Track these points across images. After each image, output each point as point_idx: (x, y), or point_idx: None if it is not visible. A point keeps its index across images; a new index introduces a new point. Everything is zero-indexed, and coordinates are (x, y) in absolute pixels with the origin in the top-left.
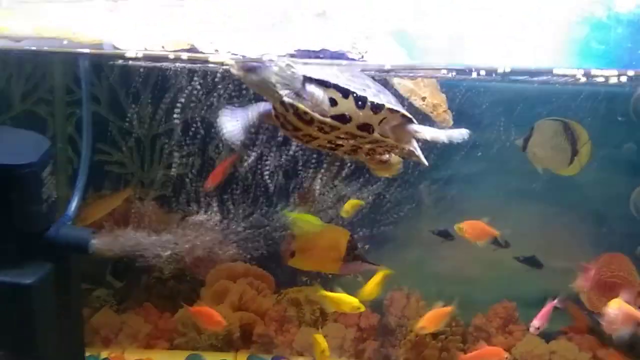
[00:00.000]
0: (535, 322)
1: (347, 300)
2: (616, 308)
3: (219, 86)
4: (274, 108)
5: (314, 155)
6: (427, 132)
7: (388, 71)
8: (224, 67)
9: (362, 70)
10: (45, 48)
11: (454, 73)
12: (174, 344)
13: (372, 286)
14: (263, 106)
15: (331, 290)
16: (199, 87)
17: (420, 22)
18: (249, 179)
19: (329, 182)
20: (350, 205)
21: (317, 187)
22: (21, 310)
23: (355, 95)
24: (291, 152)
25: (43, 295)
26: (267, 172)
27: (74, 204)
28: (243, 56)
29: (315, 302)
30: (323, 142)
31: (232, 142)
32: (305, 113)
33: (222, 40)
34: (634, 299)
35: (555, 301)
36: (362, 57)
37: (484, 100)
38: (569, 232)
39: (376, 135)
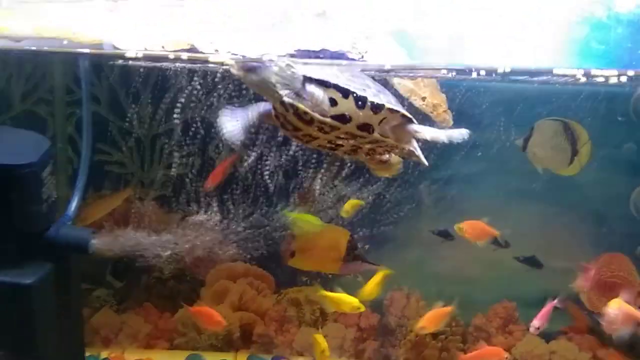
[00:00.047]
0: (535, 322)
1: (347, 300)
2: (616, 308)
3: (219, 86)
4: (274, 108)
5: (314, 155)
6: (427, 132)
7: (388, 71)
8: (224, 67)
9: (362, 70)
10: (46, 48)
11: (454, 73)
12: (174, 344)
13: (371, 286)
14: (263, 106)
15: (331, 291)
16: (199, 87)
17: (420, 22)
18: (249, 179)
19: (329, 182)
20: (350, 206)
21: (317, 187)
22: (21, 310)
23: (355, 95)
24: (291, 152)
25: (43, 295)
26: (267, 172)
27: (74, 204)
28: (243, 56)
29: (315, 302)
30: (323, 142)
31: (232, 142)
32: (305, 113)
33: (222, 40)
34: (634, 299)
35: (555, 301)
36: (362, 57)
37: (484, 100)
38: (569, 232)
39: (376, 135)
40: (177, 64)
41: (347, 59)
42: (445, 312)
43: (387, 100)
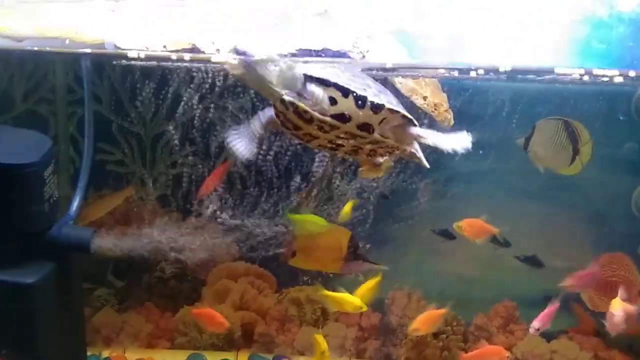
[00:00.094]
0: (535, 324)
1: (349, 300)
2: (620, 309)
3: (220, 85)
4: (274, 106)
5: (315, 156)
6: (430, 138)
7: (390, 70)
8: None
9: (364, 70)
10: (48, 48)
11: (455, 72)
12: (175, 344)
13: (363, 291)
14: (264, 114)
15: (333, 290)
16: (200, 86)
17: (421, 22)
18: (249, 179)
19: (330, 182)
20: (348, 208)
21: (318, 187)
22: (23, 310)
23: (355, 94)
24: (291, 153)
25: (44, 294)
26: (267, 172)
27: (75, 204)
28: (239, 52)
29: (316, 302)
30: (323, 141)
31: (247, 159)
32: (305, 111)
33: (223, 40)
34: (635, 299)
35: (557, 304)
36: (364, 56)
37: (485, 100)
38: (570, 231)
39: (376, 135)
40: (179, 64)
41: (349, 58)
42: (438, 314)
43: (388, 101)
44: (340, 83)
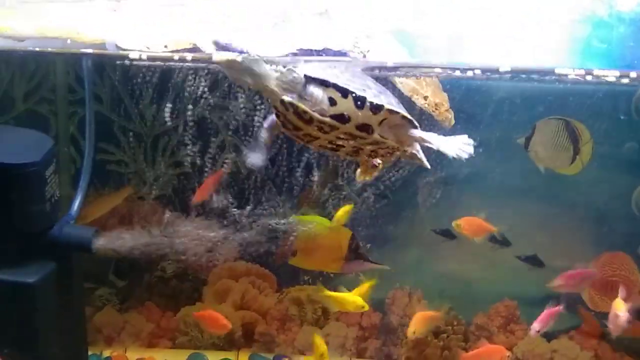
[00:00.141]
0: (536, 325)
1: (351, 300)
2: (624, 310)
3: (221, 85)
4: (274, 107)
5: (317, 156)
6: (432, 141)
7: (390, 69)
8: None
9: (364, 69)
10: (50, 49)
11: (455, 72)
12: (176, 343)
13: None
14: (267, 122)
15: (334, 290)
16: (200, 85)
17: (420, 22)
18: (251, 179)
19: (332, 182)
20: (343, 212)
21: (319, 187)
22: (24, 309)
23: (354, 95)
24: (293, 153)
25: (46, 294)
26: (269, 172)
27: (76, 203)
28: (219, 45)
29: (317, 302)
30: (324, 142)
31: (259, 166)
32: (305, 112)
33: (223, 39)
34: (635, 298)
35: (560, 307)
36: (364, 56)
37: (486, 99)
38: (571, 231)
39: (376, 136)
40: (180, 63)
41: (349, 58)
42: (429, 314)
43: (388, 101)
44: (340, 84)
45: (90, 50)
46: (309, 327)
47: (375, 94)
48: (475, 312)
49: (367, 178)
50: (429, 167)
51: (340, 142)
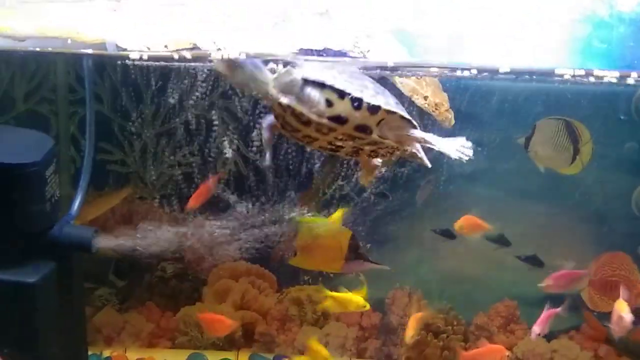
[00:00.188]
0: (536, 328)
1: (353, 300)
2: (627, 311)
3: (221, 85)
4: (273, 109)
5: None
6: (431, 141)
7: (391, 69)
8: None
9: (364, 69)
10: (50, 48)
11: (456, 72)
12: (176, 343)
13: (337, 303)
14: (266, 121)
15: (334, 290)
16: (201, 85)
17: (420, 21)
18: (251, 179)
19: (332, 182)
20: (338, 215)
21: (319, 188)
22: (24, 309)
23: (351, 96)
24: (293, 153)
25: (46, 294)
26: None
27: (77, 203)
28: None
29: (317, 302)
30: (323, 143)
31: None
32: (302, 114)
33: (223, 39)
34: (635, 298)
35: (559, 309)
36: (364, 56)
37: (486, 99)
38: (571, 231)
39: (374, 136)
40: (180, 63)
41: (350, 58)
42: (419, 316)
43: (386, 102)
44: (336, 85)
45: (90, 51)
46: (309, 327)
47: (372, 94)
48: (475, 312)
49: (370, 180)
50: (429, 165)
51: (339, 143)
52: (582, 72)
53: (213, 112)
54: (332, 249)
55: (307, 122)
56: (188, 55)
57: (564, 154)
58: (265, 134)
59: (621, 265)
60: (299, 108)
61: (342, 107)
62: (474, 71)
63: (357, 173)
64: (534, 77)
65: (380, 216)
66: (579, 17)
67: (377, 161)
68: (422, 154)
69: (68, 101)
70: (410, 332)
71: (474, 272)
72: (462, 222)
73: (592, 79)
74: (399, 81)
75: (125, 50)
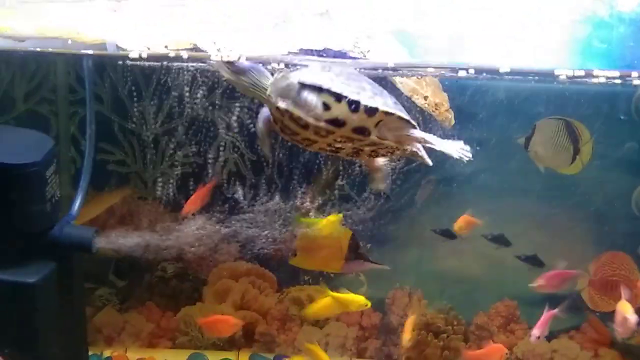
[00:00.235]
0: (535, 331)
1: (354, 300)
2: (631, 312)
3: (221, 85)
4: (272, 113)
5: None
6: (432, 142)
7: (392, 69)
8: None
9: (364, 69)
10: (50, 49)
11: (456, 72)
12: (176, 343)
13: (316, 308)
14: (261, 116)
15: (335, 290)
16: (201, 86)
17: (421, 22)
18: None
19: (332, 183)
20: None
21: (319, 188)
22: (24, 310)
23: (348, 99)
24: (294, 153)
25: (46, 294)
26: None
27: (77, 203)
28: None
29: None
30: (323, 145)
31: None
32: (300, 118)
33: (223, 39)
34: (635, 298)
35: (556, 310)
36: (365, 56)
37: (486, 99)
38: (571, 231)
39: (373, 138)
40: (179, 63)
41: (350, 58)
42: (413, 319)
43: (384, 103)
44: (333, 88)
45: (90, 51)
46: (309, 327)
47: (370, 96)
48: (475, 312)
49: (381, 186)
50: (430, 163)
51: (338, 145)
52: (582, 73)
53: (213, 112)
54: (332, 249)
55: (305, 126)
56: (188, 55)
57: (564, 154)
58: (261, 126)
59: (621, 265)
60: (297, 112)
61: (340, 110)
62: (471, 71)
63: (357, 172)
64: (534, 77)
65: (380, 216)
66: (579, 17)
67: (381, 161)
68: (423, 153)
69: (68, 101)
70: (407, 336)
71: (474, 272)
72: (461, 223)
73: (592, 79)
74: (399, 81)
75: (125, 50)
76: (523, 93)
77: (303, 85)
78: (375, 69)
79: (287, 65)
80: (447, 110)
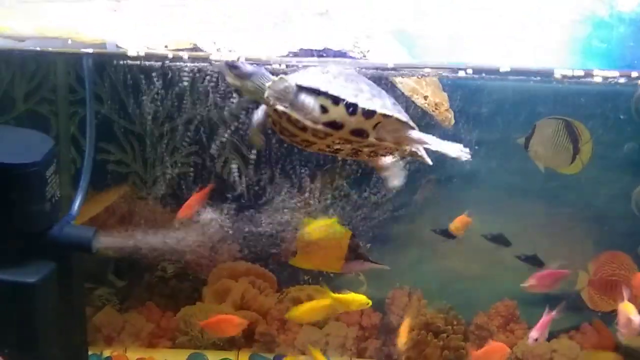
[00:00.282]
0: (534, 334)
1: (356, 299)
2: (635, 313)
3: (221, 85)
4: (270, 115)
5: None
6: (431, 143)
7: (391, 69)
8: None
9: (364, 69)
10: (50, 48)
11: (455, 72)
12: (176, 343)
13: (306, 309)
14: (257, 113)
15: (335, 290)
16: (201, 86)
17: (421, 22)
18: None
19: (332, 183)
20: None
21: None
22: (24, 309)
23: (345, 102)
24: (294, 153)
25: (46, 294)
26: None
27: (77, 203)
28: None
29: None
30: (322, 146)
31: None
32: (298, 120)
33: (223, 39)
34: (635, 299)
35: (554, 313)
36: (364, 56)
37: (486, 99)
38: (571, 230)
39: (371, 139)
40: (180, 63)
41: (349, 58)
42: (406, 323)
43: (382, 105)
44: (331, 91)
45: (90, 50)
46: (309, 327)
47: (368, 98)
48: (475, 311)
49: (397, 184)
50: (430, 163)
51: (337, 146)
52: (582, 73)
53: (213, 112)
54: (332, 249)
55: (304, 128)
56: (188, 55)
57: (563, 153)
58: (254, 122)
59: (621, 264)
60: (294, 115)
61: (337, 113)
62: (470, 71)
63: (357, 174)
64: (534, 77)
65: (380, 216)
66: (579, 17)
67: (388, 160)
68: (422, 152)
69: (68, 101)
70: (403, 340)
71: (474, 272)
72: (457, 223)
73: (592, 79)
74: (399, 81)
75: (125, 50)
76: (523, 92)
77: (301, 88)
78: (375, 69)
79: (287, 67)
80: (447, 110)
